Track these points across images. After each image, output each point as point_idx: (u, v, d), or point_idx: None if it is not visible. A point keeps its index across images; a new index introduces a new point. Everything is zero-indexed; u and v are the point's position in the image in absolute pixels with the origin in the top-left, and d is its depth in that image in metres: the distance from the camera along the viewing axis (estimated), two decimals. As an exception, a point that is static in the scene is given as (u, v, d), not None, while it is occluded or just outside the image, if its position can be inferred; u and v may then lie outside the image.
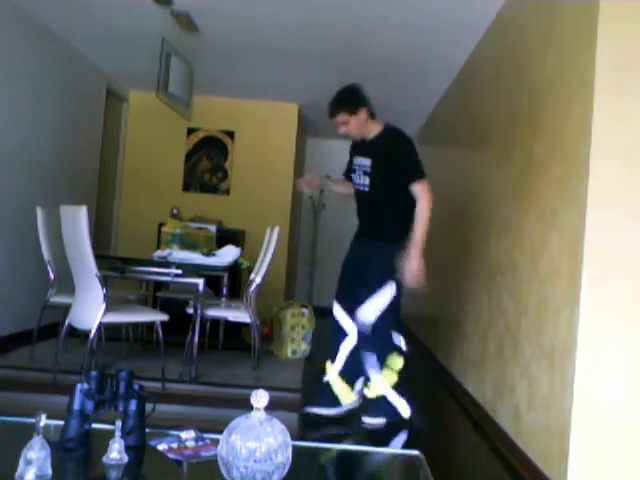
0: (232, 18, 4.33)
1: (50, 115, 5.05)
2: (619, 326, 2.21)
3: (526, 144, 3.07)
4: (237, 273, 5.51)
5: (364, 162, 3.31)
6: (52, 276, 4.09)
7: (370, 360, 3.23)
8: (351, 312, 3.29)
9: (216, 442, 1.48)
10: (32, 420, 1.43)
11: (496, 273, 3.43)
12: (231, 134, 6.79)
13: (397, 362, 3.29)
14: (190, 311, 4.09)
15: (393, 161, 3.22)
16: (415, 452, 1.85)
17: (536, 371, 2.64)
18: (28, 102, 4.70)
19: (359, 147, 3.40)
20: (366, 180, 3.31)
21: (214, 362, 4.43)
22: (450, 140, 5.43)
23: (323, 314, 6.43)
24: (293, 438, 1.44)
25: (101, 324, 3.37)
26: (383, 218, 3.34)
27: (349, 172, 3.46)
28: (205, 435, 1.79)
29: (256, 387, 1.47)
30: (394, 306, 3.25)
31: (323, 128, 7.96)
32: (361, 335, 3.25)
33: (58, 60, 5.10)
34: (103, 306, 3.35)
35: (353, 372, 3.30)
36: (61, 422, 1.66)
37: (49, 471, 1.40)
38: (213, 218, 6.45)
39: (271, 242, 4.27)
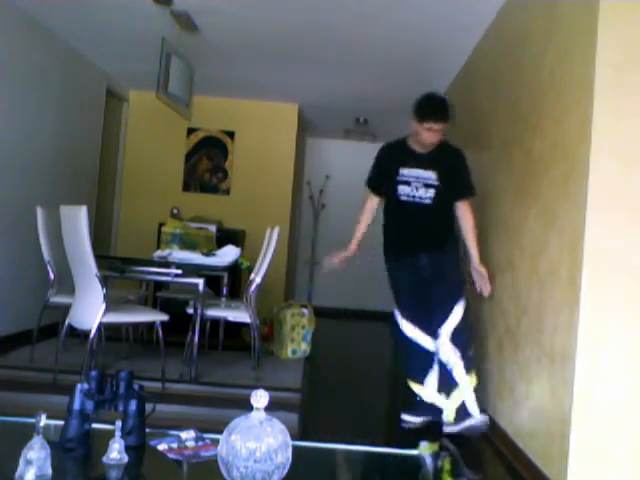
0: (232, 18, 4.33)
1: (50, 115, 5.04)
2: (619, 326, 2.21)
3: (526, 144, 3.07)
4: (237, 273, 5.51)
5: (425, 174, 3.24)
6: (52, 276, 4.09)
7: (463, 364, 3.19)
8: (431, 329, 3.25)
9: (216, 442, 1.48)
10: (32, 420, 1.43)
11: (496, 273, 3.43)
12: (231, 134, 6.78)
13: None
14: (190, 311, 4.09)
15: (453, 174, 3.27)
16: (415, 452, 1.85)
17: (536, 371, 2.64)
18: (28, 102, 4.70)
19: (411, 159, 3.28)
20: (428, 192, 3.23)
21: (214, 362, 4.43)
22: (450, 140, 5.42)
23: (323, 314, 6.45)
24: (293, 438, 1.44)
25: (101, 324, 3.37)
26: (442, 230, 3.35)
27: (391, 183, 3.29)
28: (205, 435, 1.79)
29: (256, 387, 1.47)
30: (468, 319, 3.28)
31: (323, 128, 7.97)
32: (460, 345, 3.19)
33: (58, 60, 5.10)
34: (103, 306, 3.35)
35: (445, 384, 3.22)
36: (61, 422, 1.66)
37: (49, 471, 1.41)
38: (213, 218, 6.45)
39: (271, 242, 4.27)
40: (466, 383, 3.15)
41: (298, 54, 5.05)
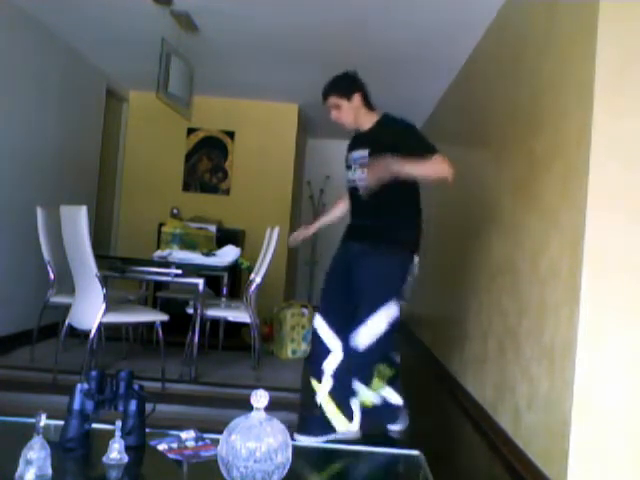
0: (232, 18, 4.33)
1: (50, 115, 5.04)
2: (619, 326, 2.21)
3: (526, 144, 3.07)
4: (237, 273, 5.51)
5: (361, 154, 2.95)
6: (52, 276, 4.09)
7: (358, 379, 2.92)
8: (339, 329, 2.93)
9: (216, 442, 1.48)
10: (32, 420, 1.43)
11: (496, 273, 3.43)
12: (231, 134, 6.79)
13: (387, 371, 2.97)
14: (190, 311, 4.09)
15: (396, 146, 2.80)
16: (415, 452, 1.85)
17: (536, 371, 2.64)
18: (28, 102, 4.70)
19: (355, 142, 3.08)
20: (363, 173, 2.89)
21: (214, 362, 4.43)
22: (450, 139, 5.43)
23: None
24: (293, 438, 1.44)
25: (101, 324, 3.37)
26: (383, 217, 2.94)
27: (347, 172, 3.06)
28: (205, 435, 1.79)
29: (256, 387, 1.47)
30: (393, 328, 2.86)
31: (323, 128, 7.96)
32: (349, 357, 2.88)
33: (58, 60, 5.10)
34: (103, 306, 3.35)
35: (344, 391, 2.90)
36: (61, 422, 1.66)
37: (49, 471, 1.41)
38: (213, 218, 6.45)
39: (271, 242, 4.27)
40: (365, 392, 2.89)
41: (298, 54, 5.05)
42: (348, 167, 3.06)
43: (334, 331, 2.95)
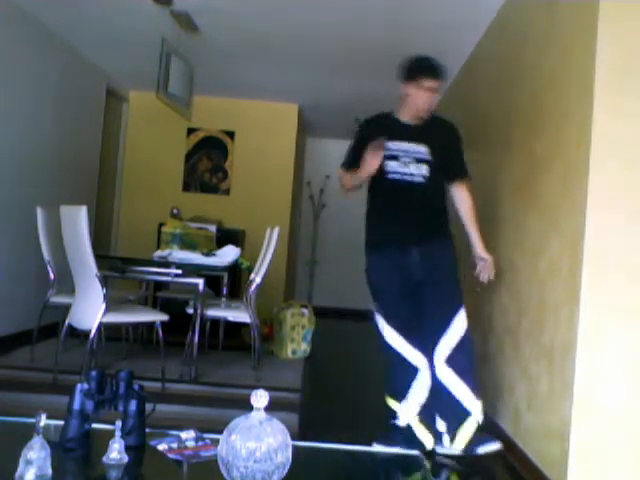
0: (232, 18, 4.33)
1: (50, 115, 5.04)
2: (619, 326, 2.21)
3: (526, 144, 3.07)
4: (237, 273, 5.51)
5: (415, 148, 2.80)
6: (52, 276, 4.09)
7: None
8: (421, 341, 2.80)
9: (216, 442, 1.48)
10: (32, 420, 1.43)
11: (496, 272, 3.42)
12: (231, 134, 6.78)
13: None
14: (190, 311, 4.09)
15: (450, 153, 2.87)
16: (415, 452, 1.85)
17: (536, 371, 2.64)
18: (28, 102, 4.70)
19: (395, 130, 2.84)
20: (420, 169, 2.77)
21: (214, 362, 4.43)
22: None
23: (323, 314, 6.44)
24: (293, 438, 1.44)
25: (101, 324, 3.37)
26: (438, 216, 2.89)
27: (389, 163, 2.81)
28: (205, 435, 1.79)
29: (256, 387, 1.47)
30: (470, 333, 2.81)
31: (323, 128, 7.97)
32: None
33: (58, 60, 5.10)
34: (103, 306, 3.34)
35: (432, 413, 2.78)
36: (61, 422, 1.66)
37: (49, 471, 1.40)
38: (213, 218, 6.45)
39: (271, 242, 4.27)
40: (478, 409, 2.74)
41: (298, 54, 5.05)
42: (392, 158, 2.79)
43: (417, 347, 2.78)
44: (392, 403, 2.83)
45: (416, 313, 2.82)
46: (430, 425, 2.77)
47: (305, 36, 4.60)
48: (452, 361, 2.75)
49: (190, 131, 6.72)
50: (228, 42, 4.85)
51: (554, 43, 2.76)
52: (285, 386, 3.87)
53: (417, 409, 2.76)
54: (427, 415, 2.77)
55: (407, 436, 2.74)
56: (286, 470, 1.40)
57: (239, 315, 4.15)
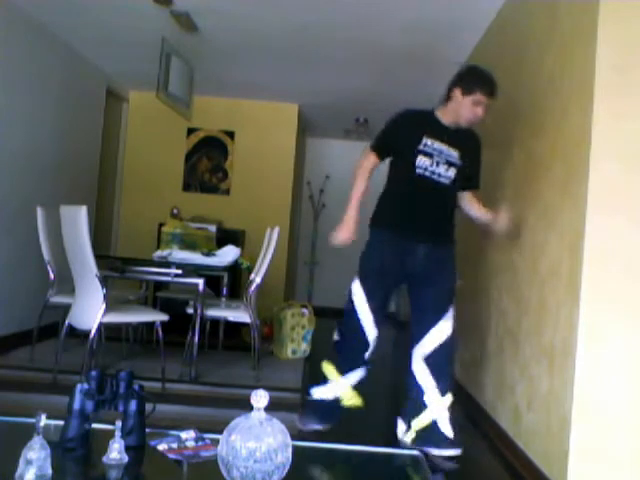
0: (232, 18, 4.33)
1: (50, 115, 5.04)
2: (619, 326, 2.21)
3: (526, 144, 3.07)
4: (237, 273, 5.51)
5: (449, 151, 2.86)
6: (52, 276, 4.09)
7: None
8: (378, 323, 2.93)
9: (216, 442, 1.48)
10: (32, 420, 1.43)
11: (496, 273, 3.43)
12: (231, 134, 6.78)
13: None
14: (190, 311, 4.09)
15: (473, 163, 2.98)
16: (415, 452, 1.85)
17: (536, 371, 2.64)
18: (28, 102, 4.70)
19: (435, 129, 2.89)
20: (449, 172, 2.84)
21: (214, 362, 4.43)
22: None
23: (323, 314, 6.44)
24: (293, 438, 1.44)
25: (101, 324, 3.37)
26: (450, 219, 2.97)
27: (409, 153, 2.84)
28: (205, 435, 1.79)
29: (256, 387, 1.47)
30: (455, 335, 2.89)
31: (323, 128, 7.97)
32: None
33: (58, 60, 5.10)
34: (103, 306, 3.35)
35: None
36: (61, 422, 1.66)
37: (49, 471, 1.40)
38: (213, 218, 6.45)
39: (271, 242, 4.27)
40: (438, 406, 2.82)
41: (298, 54, 5.05)
42: (426, 154, 2.83)
43: (376, 325, 2.93)
44: (328, 368, 2.98)
45: (390, 295, 2.99)
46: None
47: (305, 36, 4.60)
48: (430, 360, 2.85)
49: (190, 131, 6.72)
50: (228, 42, 4.85)
51: (554, 43, 2.76)
52: (285, 386, 3.87)
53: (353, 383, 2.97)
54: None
55: (328, 408, 2.96)
56: (286, 470, 1.40)
57: (239, 315, 4.15)
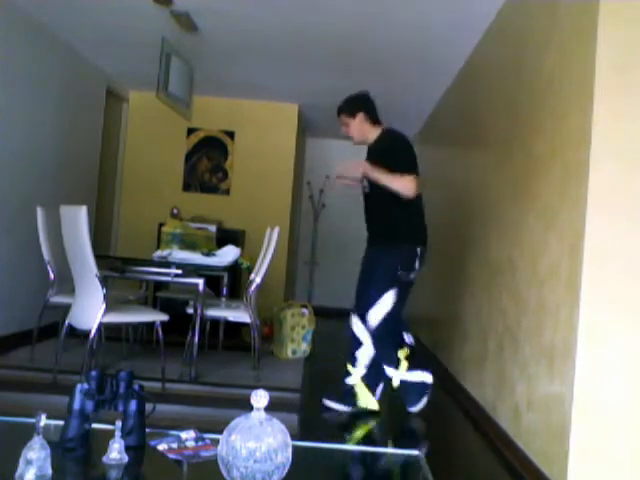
0: (232, 18, 4.33)
1: (50, 115, 5.04)
2: (619, 326, 2.21)
3: (526, 144, 3.07)
4: (237, 273, 5.51)
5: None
6: (52, 276, 4.09)
7: (385, 361, 3.44)
8: (363, 319, 3.43)
9: (216, 442, 1.48)
10: (32, 420, 1.43)
11: (496, 273, 3.43)
12: (231, 134, 6.78)
13: (404, 351, 3.42)
14: (190, 311, 4.09)
15: (386, 160, 3.31)
16: (415, 452, 1.85)
17: (536, 371, 2.64)
18: (28, 102, 4.70)
19: (367, 153, 3.53)
20: (365, 183, 3.43)
21: (214, 362, 4.43)
22: (450, 140, 5.43)
23: (323, 314, 6.44)
24: (293, 438, 1.44)
25: (101, 324, 3.37)
26: (382, 222, 3.45)
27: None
28: (205, 435, 1.79)
29: (256, 387, 1.47)
30: (397, 309, 3.37)
31: (323, 128, 7.96)
32: (373, 339, 3.41)
33: (58, 60, 5.10)
34: (103, 306, 3.35)
35: (372, 377, 3.45)
36: (61, 422, 1.66)
37: (49, 471, 1.40)
38: (213, 218, 6.45)
39: (271, 242, 4.27)
40: (394, 373, 3.39)
41: (298, 54, 5.05)
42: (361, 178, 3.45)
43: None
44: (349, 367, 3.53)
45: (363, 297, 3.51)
46: (371, 387, 3.44)
47: (305, 36, 4.60)
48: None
49: (190, 131, 6.72)
50: (228, 42, 4.85)
51: (554, 43, 2.76)
52: (285, 386, 3.87)
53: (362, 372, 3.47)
54: (369, 378, 3.46)
55: (349, 393, 3.46)
56: (286, 470, 1.40)
57: (239, 315, 4.15)
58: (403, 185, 3.26)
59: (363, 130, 3.50)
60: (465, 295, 4.14)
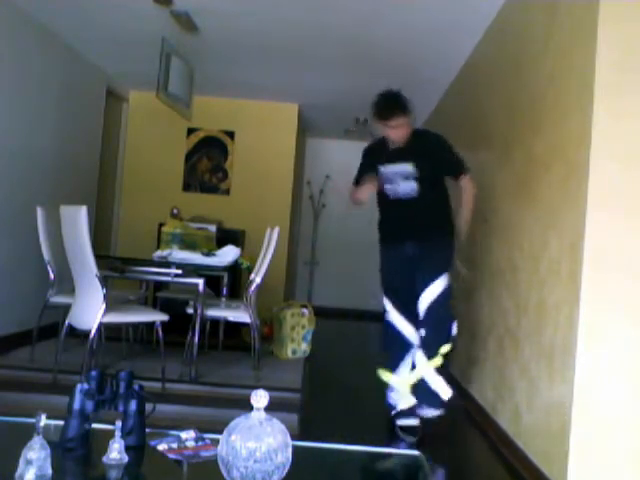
0: (232, 18, 4.33)
1: (50, 115, 5.04)
2: (619, 326, 2.21)
3: (526, 144, 3.07)
4: (237, 273, 5.51)
5: (402, 168, 3.22)
6: (52, 276, 4.09)
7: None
8: (414, 321, 3.21)
9: (216, 442, 1.48)
10: (32, 420, 1.43)
11: (496, 273, 3.43)
12: (231, 134, 6.78)
13: (445, 347, 3.18)
14: (190, 311, 4.09)
15: (438, 159, 3.24)
16: (415, 452, 1.85)
17: (536, 371, 2.64)
18: (28, 102, 4.70)
19: (385, 155, 3.30)
20: (409, 185, 3.21)
21: (214, 362, 4.43)
22: (450, 140, 5.42)
23: (323, 314, 6.45)
24: (293, 438, 1.44)
25: (101, 324, 3.37)
26: (433, 219, 3.28)
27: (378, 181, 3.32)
28: (205, 435, 1.79)
29: (256, 387, 1.47)
30: (449, 292, 3.21)
31: (323, 128, 7.97)
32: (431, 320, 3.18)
33: (58, 60, 5.10)
34: (103, 306, 3.35)
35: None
36: (61, 422, 1.66)
37: (49, 471, 1.40)
38: (213, 218, 6.45)
39: (271, 242, 4.27)
40: (424, 367, 3.12)
41: (298, 54, 5.05)
42: (387, 180, 3.25)
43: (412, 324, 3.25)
44: (383, 373, 3.30)
45: (413, 294, 3.24)
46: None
47: (305, 36, 4.60)
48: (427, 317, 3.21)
49: (190, 131, 6.72)
50: (228, 42, 4.85)
51: (554, 43, 2.76)
52: (285, 386, 3.87)
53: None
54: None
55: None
56: (286, 470, 1.40)
57: (239, 315, 4.15)
58: (474, 197, 3.27)
59: (409, 130, 3.27)
60: (465, 295, 4.14)
